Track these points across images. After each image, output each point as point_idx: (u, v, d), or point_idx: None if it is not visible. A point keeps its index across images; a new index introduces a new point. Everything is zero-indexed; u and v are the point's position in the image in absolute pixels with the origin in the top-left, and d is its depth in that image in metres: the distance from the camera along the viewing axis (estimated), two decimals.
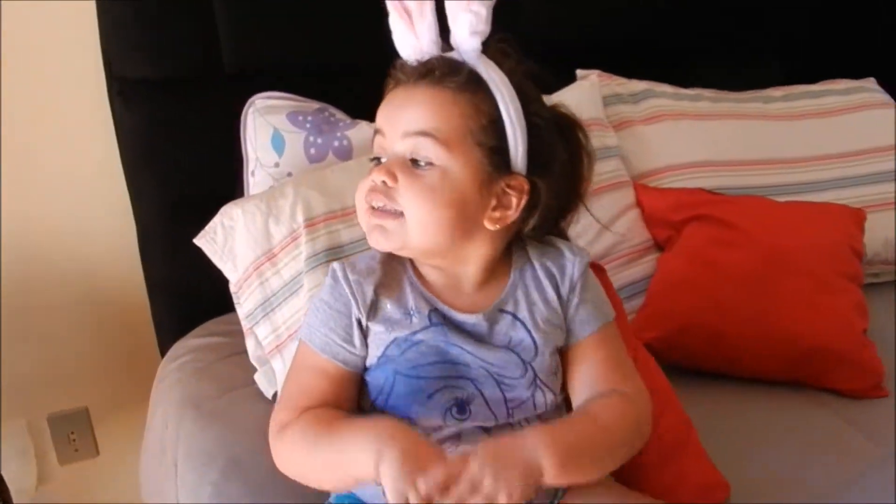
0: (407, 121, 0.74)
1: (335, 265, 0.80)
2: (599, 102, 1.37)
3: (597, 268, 0.94)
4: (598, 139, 1.31)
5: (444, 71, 0.74)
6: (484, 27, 0.75)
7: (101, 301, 1.46)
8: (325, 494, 0.86)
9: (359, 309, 0.77)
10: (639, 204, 1.32)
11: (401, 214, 0.74)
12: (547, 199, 0.78)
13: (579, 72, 1.42)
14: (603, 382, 0.81)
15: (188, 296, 1.32)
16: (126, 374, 1.51)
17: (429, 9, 0.76)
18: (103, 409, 1.53)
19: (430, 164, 0.73)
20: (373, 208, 0.76)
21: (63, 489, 1.55)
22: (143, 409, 1.29)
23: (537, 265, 0.82)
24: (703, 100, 1.47)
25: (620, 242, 1.26)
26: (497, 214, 0.76)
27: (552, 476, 0.69)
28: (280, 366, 1.08)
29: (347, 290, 0.78)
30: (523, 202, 0.77)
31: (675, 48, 1.56)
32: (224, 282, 1.15)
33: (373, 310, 0.78)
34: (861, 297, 1.20)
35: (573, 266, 0.82)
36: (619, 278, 1.22)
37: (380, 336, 0.77)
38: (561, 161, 0.79)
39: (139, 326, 1.44)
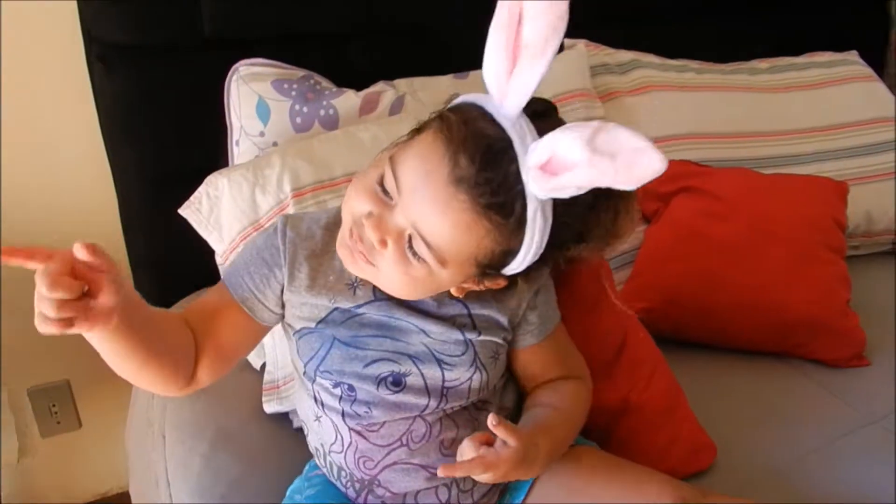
0: (424, 219, 0.66)
1: (280, 217, 0.79)
2: (587, 72, 1.36)
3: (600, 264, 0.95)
4: (585, 110, 1.30)
5: (495, 200, 0.63)
6: (567, 194, 0.63)
7: None
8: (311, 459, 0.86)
9: (285, 267, 0.77)
10: None
11: (375, 265, 0.70)
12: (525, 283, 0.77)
13: (567, 41, 1.41)
14: (555, 371, 0.85)
15: (172, 268, 1.30)
16: None
17: (540, 66, 0.61)
18: (85, 382, 1.52)
19: (423, 261, 0.68)
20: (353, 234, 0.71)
21: (45, 462, 1.54)
22: (125, 382, 1.27)
23: None
24: (689, 71, 1.47)
25: None
26: (465, 285, 0.74)
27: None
28: (268, 337, 1.07)
29: (280, 246, 0.77)
30: (492, 285, 0.74)
31: (660, 16, 1.55)
32: (209, 253, 1.14)
33: (305, 276, 0.77)
34: (844, 269, 1.22)
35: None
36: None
37: (319, 305, 0.77)
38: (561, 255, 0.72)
39: None
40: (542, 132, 0.64)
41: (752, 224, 1.19)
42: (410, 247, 0.68)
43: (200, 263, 1.18)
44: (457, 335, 0.78)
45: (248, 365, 1.11)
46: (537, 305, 0.82)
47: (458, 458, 0.70)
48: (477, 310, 0.79)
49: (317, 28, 1.28)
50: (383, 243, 0.68)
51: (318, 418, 0.82)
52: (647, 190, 1.29)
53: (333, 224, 0.79)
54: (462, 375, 0.78)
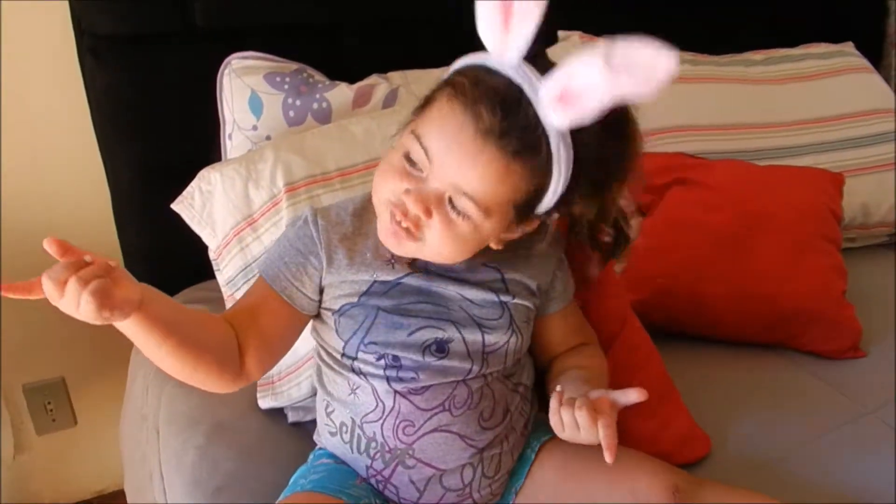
0: (461, 176, 0.70)
1: (307, 211, 0.82)
2: None
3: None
4: None
5: (522, 144, 0.68)
6: (584, 120, 0.66)
7: None
8: (307, 453, 0.86)
9: (323, 254, 0.80)
10: None
11: (421, 239, 0.74)
12: (549, 231, 0.83)
13: (561, 33, 1.41)
14: (574, 339, 0.91)
15: (165, 263, 1.30)
16: (102, 343, 1.48)
17: (534, 14, 0.65)
18: (80, 379, 1.52)
19: (467, 217, 0.72)
20: (394, 219, 0.74)
21: (41, 459, 1.54)
22: (121, 378, 1.28)
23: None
24: (684, 63, 1.46)
25: None
26: (503, 236, 0.78)
27: None
28: None
29: (314, 234, 0.80)
30: (528, 229, 0.79)
31: (655, 7, 1.54)
32: (202, 248, 1.13)
33: (343, 258, 0.80)
34: (840, 260, 1.22)
35: (553, 258, 0.87)
36: None
37: (361, 279, 0.79)
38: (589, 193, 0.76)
39: None
40: (543, 71, 0.68)
41: (746, 215, 1.19)
42: (453, 207, 0.72)
43: (194, 258, 1.17)
44: (493, 297, 0.81)
45: None
46: (561, 274, 0.88)
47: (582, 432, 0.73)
48: (510, 274, 0.83)
49: (310, 20, 1.28)
50: (428, 213, 0.71)
51: (354, 391, 0.81)
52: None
53: (361, 210, 0.83)
54: (500, 339, 0.81)
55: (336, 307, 0.81)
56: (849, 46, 1.63)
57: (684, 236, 1.20)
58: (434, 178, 0.71)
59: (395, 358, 0.79)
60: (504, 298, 0.82)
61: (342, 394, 0.83)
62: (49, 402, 1.50)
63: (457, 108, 0.70)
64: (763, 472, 0.93)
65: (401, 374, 0.79)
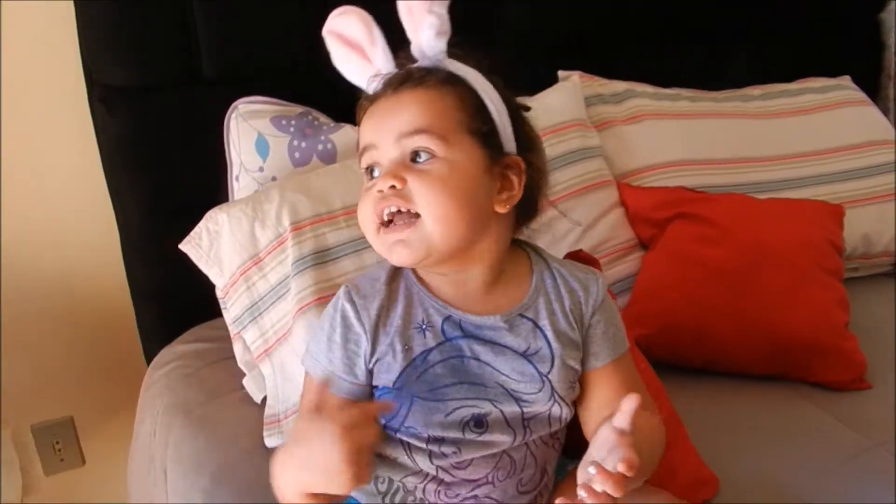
0: (398, 125, 0.73)
1: (341, 292, 0.77)
2: (582, 103, 1.38)
3: (591, 260, 0.95)
4: (581, 139, 1.32)
5: (421, 73, 0.75)
6: (447, 27, 0.75)
7: (85, 309, 1.45)
8: None
9: (365, 336, 0.75)
10: (622, 203, 1.33)
11: (416, 217, 0.72)
12: (540, 175, 0.80)
13: (561, 73, 1.43)
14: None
15: (173, 302, 1.31)
16: (111, 383, 1.50)
17: (377, 32, 0.76)
18: (89, 419, 1.52)
19: (432, 156, 0.72)
20: (384, 225, 0.73)
21: (49, 500, 1.53)
22: (130, 417, 1.28)
23: (559, 280, 0.80)
24: (683, 99, 1.48)
25: (605, 241, 1.27)
26: (504, 196, 0.76)
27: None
28: (269, 370, 1.08)
29: (354, 318, 0.75)
30: (523, 179, 0.77)
31: (650, 41, 1.57)
32: (209, 287, 1.15)
33: (381, 335, 0.76)
34: (842, 291, 1.22)
35: (597, 288, 0.81)
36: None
37: (396, 359, 0.75)
38: (539, 141, 0.81)
39: (124, 334, 1.43)
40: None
41: (747, 249, 1.20)
42: (416, 160, 0.73)
43: (201, 296, 1.19)
44: (531, 370, 0.76)
45: (249, 398, 1.11)
46: (602, 319, 0.80)
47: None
48: (546, 322, 0.78)
49: (314, 63, 1.30)
50: (401, 180, 0.72)
51: (396, 455, 0.78)
52: (643, 217, 1.32)
53: (391, 277, 0.79)
54: (540, 409, 0.77)
55: (377, 385, 0.78)
56: (846, 80, 1.66)
57: (686, 270, 1.20)
58: (386, 153, 0.74)
59: (436, 437, 0.76)
60: (542, 369, 0.77)
61: (383, 450, 0.79)
62: (57, 442, 1.50)
63: (370, 105, 0.77)
64: None
65: (443, 448, 0.76)
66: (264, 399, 1.09)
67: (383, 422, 0.77)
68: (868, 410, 1.10)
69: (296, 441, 0.68)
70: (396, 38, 0.77)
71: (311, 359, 0.79)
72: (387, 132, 0.74)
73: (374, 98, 0.77)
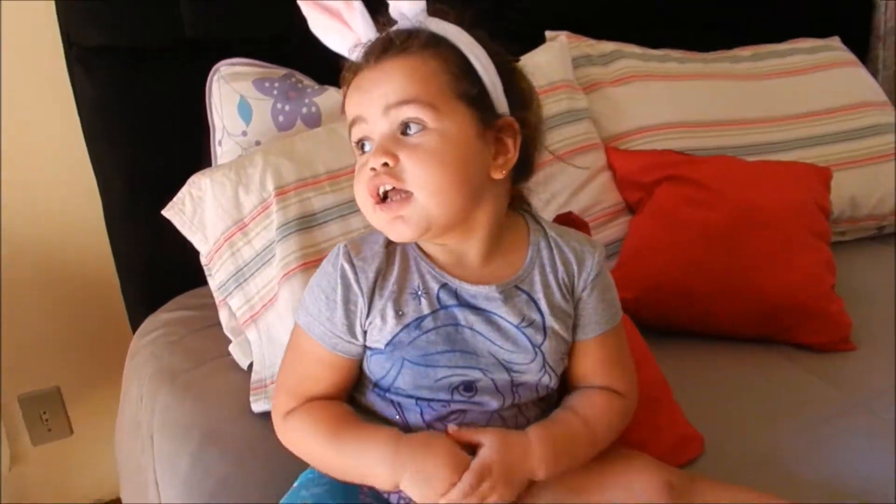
0: (384, 96, 0.71)
1: (340, 249, 0.76)
2: (569, 64, 1.37)
3: (581, 223, 0.94)
4: (568, 101, 1.31)
5: (402, 38, 0.73)
6: None
7: (69, 278, 1.44)
8: (303, 462, 0.86)
9: (362, 299, 0.75)
10: (610, 166, 1.33)
11: (410, 194, 0.71)
12: (535, 133, 0.78)
13: (548, 33, 1.42)
14: (601, 378, 0.82)
15: (158, 270, 1.30)
16: (97, 352, 1.50)
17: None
18: (75, 388, 1.52)
19: (423, 127, 0.70)
20: (382, 201, 0.72)
21: (37, 469, 1.54)
22: (116, 386, 1.28)
23: (555, 250, 0.79)
24: (671, 60, 1.47)
25: (593, 205, 1.27)
26: (500, 161, 0.74)
27: (539, 478, 0.75)
28: (255, 336, 1.07)
29: (352, 279, 0.75)
30: (518, 140, 0.75)
31: (640, 12, 1.55)
32: (194, 255, 1.14)
33: (377, 297, 0.75)
34: (829, 254, 1.22)
35: (593, 261, 0.80)
36: None
37: (387, 323, 0.75)
38: (532, 95, 0.79)
39: (108, 303, 1.43)
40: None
41: (735, 211, 1.20)
42: (406, 132, 0.71)
43: (186, 264, 1.18)
44: (525, 342, 0.77)
45: (235, 364, 1.11)
46: (594, 292, 0.80)
47: None
48: (541, 295, 0.77)
49: (298, 27, 1.28)
50: (392, 156, 0.70)
51: (384, 410, 0.79)
52: (630, 180, 1.31)
53: (390, 241, 0.77)
54: (531, 378, 0.78)
55: (370, 346, 0.78)
56: (835, 41, 1.65)
57: (674, 233, 1.20)
58: (375, 126, 0.72)
59: (425, 399, 0.76)
60: (536, 340, 0.77)
61: (370, 405, 0.80)
62: (44, 412, 1.50)
63: (354, 76, 0.75)
64: (757, 467, 0.93)
65: (432, 405, 0.77)
66: (250, 365, 1.08)
67: (374, 379, 0.78)
68: (852, 371, 1.11)
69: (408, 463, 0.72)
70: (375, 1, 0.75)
71: (308, 315, 0.77)
72: (374, 105, 0.72)
73: (357, 69, 0.75)
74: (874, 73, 1.72)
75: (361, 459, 0.74)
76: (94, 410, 1.53)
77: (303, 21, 1.26)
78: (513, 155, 0.75)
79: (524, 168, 0.78)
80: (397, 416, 0.78)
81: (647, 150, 1.34)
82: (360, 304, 0.75)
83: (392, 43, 0.73)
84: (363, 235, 0.79)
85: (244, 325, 1.09)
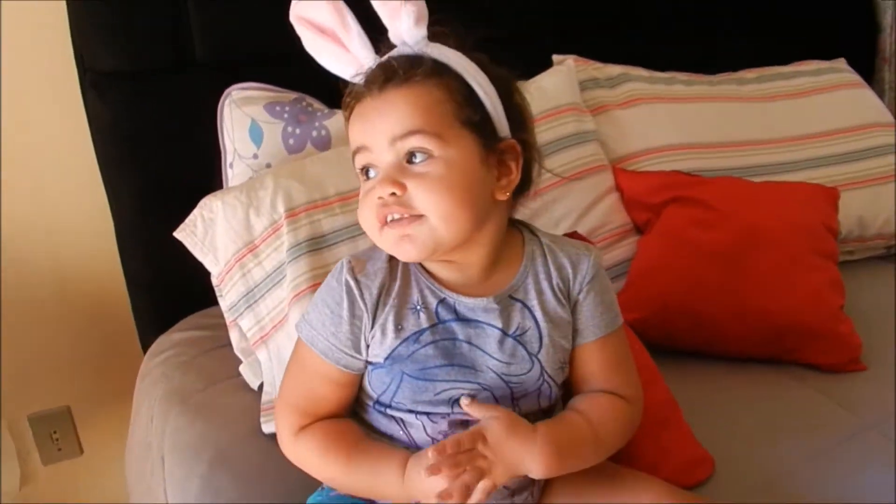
0: (390, 127, 0.71)
1: (343, 265, 0.77)
2: (576, 87, 1.38)
3: (586, 242, 0.95)
4: (576, 124, 1.32)
5: (405, 68, 0.73)
6: (425, 12, 0.73)
7: (80, 298, 1.45)
8: (312, 484, 0.86)
9: (366, 314, 0.75)
10: (618, 187, 1.33)
11: (421, 216, 0.72)
12: (533, 150, 0.79)
13: (555, 57, 1.43)
14: (604, 383, 0.82)
15: (169, 290, 1.31)
16: (108, 372, 1.50)
17: (349, 16, 0.74)
18: (86, 408, 1.52)
19: (428, 156, 0.71)
20: (388, 222, 0.73)
21: (47, 489, 1.54)
22: (127, 406, 1.28)
23: (549, 257, 0.80)
24: (677, 83, 1.48)
25: (601, 226, 1.27)
26: (503, 182, 0.76)
27: (535, 475, 0.74)
28: (265, 357, 1.08)
29: (357, 294, 0.75)
30: (520, 162, 0.77)
31: (647, 30, 1.57)
32: (205, 275, 1.15)
33: (380, 312, 0.76)
34: (836, 274, 1.22)
35: (589, 263, 0.80)
36: None
37: (387, 337, 0.76)
38: (526, 108, 0.80)
39: (119, 323, 1.43)
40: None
41: (742, 232, 1.20)
42: (412, 161, 0.72)
43: (197, 285, 1.18)
44: (522, 352, 0.77)
45: (246, 385, 1.11)
46: (591, 295, 0.80)
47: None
48: (536, 302, 0.78)
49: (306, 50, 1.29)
50: (399, 185, 0.71)
51: (388, 428, 0.80)
52: (638, 201, 1.32)
53: (392, 256, 0.78)
54: (530, 388, 0.78)
55: (370, 360, 0.78)
56: (841, 63, 1.65)
57: (682, 254, 1.20)
58: (380, 156, 0.72)
59: (425, 413, 0.77)
60: (532, 349, 0.77)
61: (373, 423, 0.81)
62: (55, 432, 1.50)
63: (356, 104, 0.75)
64: (767, 489, 0.93)
65: (432, 418, 0.77)
66: (261, 386, 1.09)
67: (375, 395, 0.79)
68: (863, 392, 1.10)
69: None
70: (373, 18, 0.75)
71: (311, 329, 0.78)
72: (378, 135, 0.72)
73: (360, 96, 0.75)
74: (880, 95, 1.72)
75: (376, 481, 0.75)
76: (104, 430, 1.54)
77: None
78: (515, 176, 0.77)
79: (524, 185, 0.80)
80: (401, 433, 0.78)
81: (655, 172, 1.34)
82: (365, 319, 0.76)
83: (395, 72, 0.73)
84: (366, 251, 0.80)
85: (255, 346, 1.10)
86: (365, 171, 0.75)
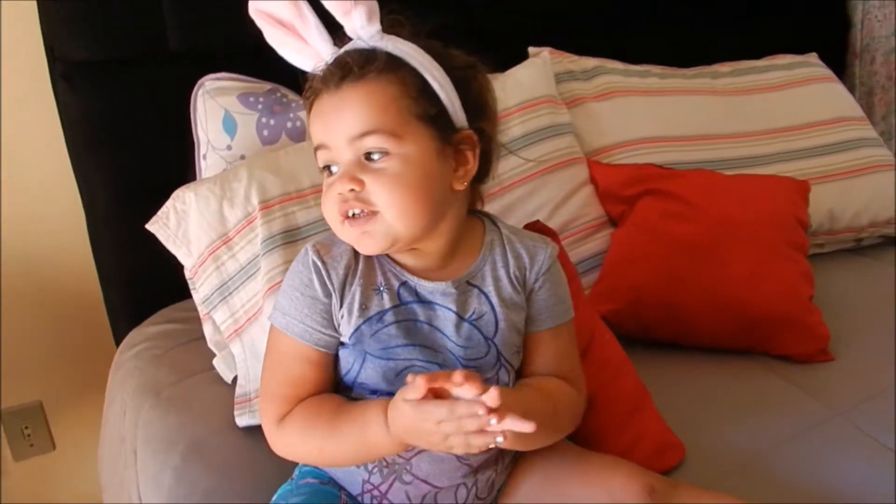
0: (347, 127, 0.73)
1: (309, 249, 0.79)
2: (552, 79, 1.39)
3: (547, 231, 0.96)
4: (551, 116, 1.32)
5: (359, 64, 0.74)
6: (376, 9, 0.75)
7: (52, 291, 1.43)
8: (286, 474, 0.86)
9: (334, 294, 0.78)
10: (592, 180, 1.34)
11: (377, 212, 0.74)
12: (491, 139, 0.80)
13: (531, 49, 1.43)
14: (555, 369, 0.85)
15: (142, 283, 1.30)
16: (80, 366, 1.49)
17: (306, 9, 0.75)
18: (58, 403, 1.51)
19: (385, 153, 0.73)
20: (349, 218, 0.75)
21: (19, 485, 1.52)
22: (100, 400, 1.27)
23: (507, 246, 0.83)
24: (652, 76, 1.49)
25: (576, 218, 1.28)
26: (461, 173, 0.78)
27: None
28: (239, 350, 1.08)
29: (325, 274, 0.78)
30: (477, 151, 0.78)
31: (622, 23, 1.58)
32: (178, 268, 1.14)
33: (346, 293, 0.78)
34: (807, 266, 1.24)
35: (545, 255, 0.83)
36: (574, 254, 1.24)
37: (352, 316, 0.78)
38: (490, 100, 0.81)
39: (91, 316, 1.42)
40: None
41: (715, 224, 1.21)
42: (370, 158, 0.74)
43: (170, 278, 1.17)
44: (478, 337, 0.80)
45: (219, 378, 1.10)
46: (546, 286, 0.83)
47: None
48: (492, 288, 0.81)
49: None
50: (358, 182, 0.73)
51: None
52: (612, 194, 1.33)
53: None
54: (488, 372, 0.80)
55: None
56: (813, 57, 1.67)
57: (655, 246, 1.22)
58: (340, 154, 0.74)
59: (388, 393, 0.78)
60: (488, 333, 0.80)
61: None
62: (27, 427, 1.49)
63: (315, 100, 0.76)
64: (737, 475, 0.94)
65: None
66: (235, 379, 1.08)
67: (340, 375, 0.80)
68: (831, 381, 1.12)
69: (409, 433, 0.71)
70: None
71: (284, 315, 0.79)
72: (336, 134, 0.74)
73: (318, 92, 0.76)
74: (851, 89, 1.75)
75: (364, 435, 0.75)
76: (76, 425, 1.52)
77: None
78: (472, 166, 0.78)
79: (482, 172, 0.81)
80: None
81: (629, 164, 1.35)
82: (334, 298, 0.78)
83: (350, 69, 0.74)
84: (329, 236, 0.82)
85: (229, 339, 1.09)
86: (327, 167, 0.77)
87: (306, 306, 0.78)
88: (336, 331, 0.79)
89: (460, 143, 0.77)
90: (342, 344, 0.79)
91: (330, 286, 0.78)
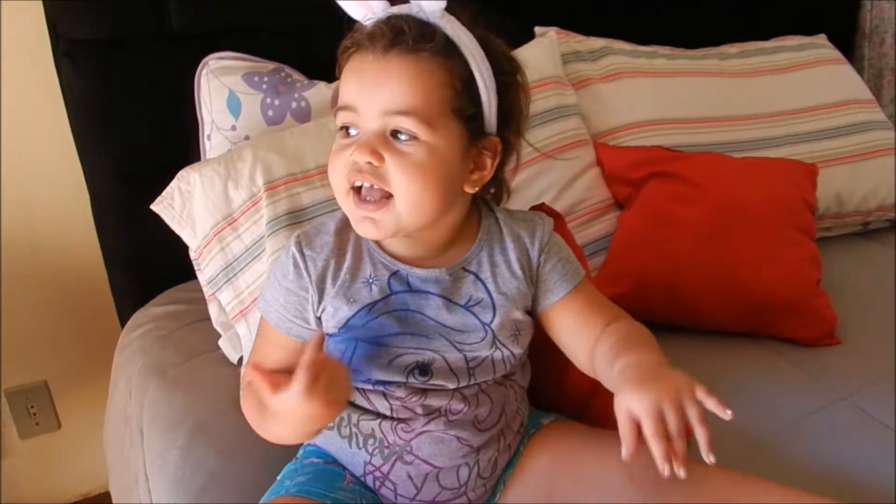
0: (384, 99, 0.70)
1: (293, 239, 0.79)
2: (559, 60, 1.37)
3: (555, 215, 0.95)
4: (557, 97, 1.31)
5: (415, 36, 0.70)
6: None
7: (57, 272, 1.43)
8: (292, 454, 0.86)
9: (311, 287, 0.77)
10: (599, 162, 1.33)
11: (388, 196, 0.72)
12: (511, 150, 0.80)
13: (538, 29, 1.42)
14: (600, 321, 0.81)
15: (147, 264, 1.30)
16: (85, 346, 1.49)
17: None
18: (63, 382, 1.51)
19: (414, 138, 0.70)
20: (357, 196, 0.73)
21: (25, 464, 1.53)
22: (105, 380, 1.28)
23: (505, 230, 0.82)
24: (660, 57, 1.48)
25: (582, 201, 1.28)
26: (475, 177, 0.76)
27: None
28: (245, 330, 1.08)
29: (303, 268, 0.77)
30: (497, 161, 0.77)
31: (629, 3, 1.56)
32: (183, 249, 1.14)
33: (329, 284, 0.77)
34: (814, 250, 1.23)
35: (542, 230, 0.82)
36: (581, 236, 1.23)
37: (339, 310, 0.77)
38: (522, 110, 0.79)
39: (96, 296, 1.42)
40: None
41: (722, 207, 1.21)
42: (397, 137, 0.71)
43: (175, 259, 1.17)
44: (473, 321, 0.78)
45: (225, 359, 1.11)
46: (551, 256, 0.82)
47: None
48: (489, 275, 0.80)
49: (286, 20, 1.28)
50: (378, 156, 0.70)
51: (352, 395, 0.81)
52: (619, 176, 1.32)
53: (342, 227, 0.80)
54: (484, 354, 0.79)
55: (326, 331, 0.80)
56: (821, 39, 1.66)
57: (662, 229, 1.21)
58: (367, 121, 0.71)
59: (382, 382, 0.78)
60: (484, 318, 0.79)
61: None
62: (32, 406, 1.49)
63: (355, 54, 0.72)
64: (744, 458, 0.94)
65: (389, 387, 0.78)
66: (240, 359, 1.08)
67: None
68: (837, 365, 1.12)
69: (275, 418, 0.72)
70: None
71: (265, 301, 0.81)
72: (371, 102, 0.70)
73: (361, 48, 0.71)
74: (859, 71, 1.73)
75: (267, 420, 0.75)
76: (82, 404, 1.53)
77: (291, 14, 1.27)
78: (488, 173, 0.77)
79: (491, 182, 0.81)
80: (367, 404, 0.80)
81: (636, 147, 1.35)
82: (311, 291, 0.78)
83: (404, 38, 0.70)
84: (315, 225, 0.81)
85: (234, 320, 1.09)
86: (346, 127, 0.74)
87: (282, 296, 0.79)
88: (310, 323, 0.78)
89: (484, 147, 0.76)
90: (328, 334, 0.79)
91: (307, 279, 0.77)
